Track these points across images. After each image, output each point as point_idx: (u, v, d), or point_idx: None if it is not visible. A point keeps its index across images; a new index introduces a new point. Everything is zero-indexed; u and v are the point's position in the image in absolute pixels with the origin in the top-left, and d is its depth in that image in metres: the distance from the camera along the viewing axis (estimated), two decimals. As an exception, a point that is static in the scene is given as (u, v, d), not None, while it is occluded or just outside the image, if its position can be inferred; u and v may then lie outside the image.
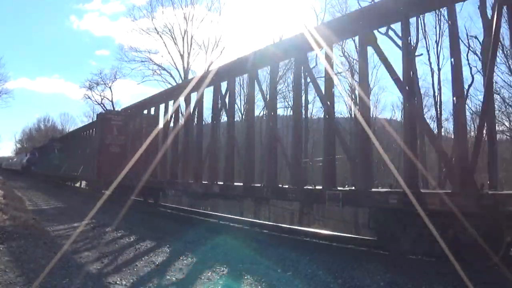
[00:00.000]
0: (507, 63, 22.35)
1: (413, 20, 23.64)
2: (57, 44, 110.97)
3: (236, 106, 26.44)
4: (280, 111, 33.30)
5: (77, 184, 26.66)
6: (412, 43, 22.72)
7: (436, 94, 25.91)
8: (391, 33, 23.77)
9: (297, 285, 5.04)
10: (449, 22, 5.74)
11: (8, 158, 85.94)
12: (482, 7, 18.30)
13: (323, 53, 7.79)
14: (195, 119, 11.31)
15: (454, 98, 5.49)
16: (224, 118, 10.66)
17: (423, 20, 24.01)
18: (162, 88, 35.98)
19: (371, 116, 8.12)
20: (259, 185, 8.71)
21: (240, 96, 35.36)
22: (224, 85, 10.20)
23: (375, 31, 6.80)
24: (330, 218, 17.44)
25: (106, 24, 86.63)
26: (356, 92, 6.55)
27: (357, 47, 7.77)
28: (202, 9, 43.13)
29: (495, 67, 5.79)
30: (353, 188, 6.59)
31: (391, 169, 5.82)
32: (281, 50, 8.41)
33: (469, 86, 22.78)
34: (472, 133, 24.18)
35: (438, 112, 25.23)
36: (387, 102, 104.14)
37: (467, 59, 23.00)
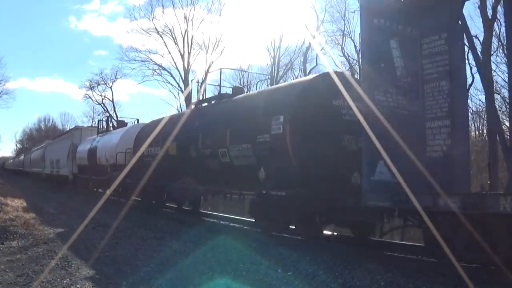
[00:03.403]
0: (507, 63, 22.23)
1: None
2: (56, 44, 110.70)
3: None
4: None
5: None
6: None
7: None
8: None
9: (298, 285, 5.04)
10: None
11: (20, 154, 67.34)
12: (482, 7, 18.30)
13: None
14: None
15: None
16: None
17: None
18: (162, 88, 35.84)
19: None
20: None
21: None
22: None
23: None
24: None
25: (105, 25, 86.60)
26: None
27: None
28: (202, 10, 43.16)
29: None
30: None
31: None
32: None
33: (470, 85, 22.70)
34: (472, 133, 24.15)
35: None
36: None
37: (467, 59, 22.83)
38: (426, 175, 5.60)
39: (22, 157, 55.47)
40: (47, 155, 30.42)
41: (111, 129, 21.00)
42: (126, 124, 20.23)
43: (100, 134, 20.02)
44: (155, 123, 14.30)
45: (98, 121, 21.81)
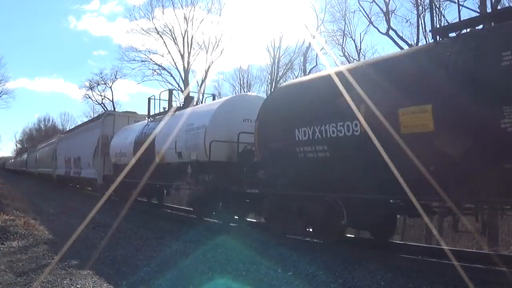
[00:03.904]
0: None
1: (413, 20, 23.58)
2: (56, 44, 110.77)
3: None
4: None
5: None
6: (413, 43, 22.71)
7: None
8: (391, 33, 23.74)
9: (298, 285, 5.04)
10: None
11: (22, 153, 60.38)
12: (482, 7, 18.32)
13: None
14: None
15: None
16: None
17: (424, 20, 23.93)
18: (162, 88, 35.84)
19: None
20: None
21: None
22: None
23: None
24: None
25: (104, 25, 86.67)
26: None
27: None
28: (202, 10, 43.24)
29: None
30: None
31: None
32: None
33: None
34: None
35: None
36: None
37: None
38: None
39: (25, 155, 49.50)
40: (60, 152, 24.68)
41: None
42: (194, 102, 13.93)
43: (153, 119, 13.95)
44: (320, 80, 7.51)
45: (149, 99, 14.36)
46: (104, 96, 45.10)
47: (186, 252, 6.83)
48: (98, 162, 16.80)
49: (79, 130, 23.17)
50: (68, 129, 35.35)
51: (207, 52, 35.47)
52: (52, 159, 26.77)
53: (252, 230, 9.70)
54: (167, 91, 14.17)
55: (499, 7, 17.82)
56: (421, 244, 8.11)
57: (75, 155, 20.82)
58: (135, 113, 18.37)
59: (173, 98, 14.64)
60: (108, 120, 17.73)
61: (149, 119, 14.35)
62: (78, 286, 4.96)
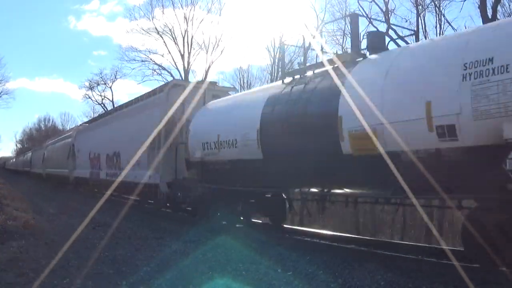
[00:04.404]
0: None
1: (413, 20, 23.61)
2: (55, 44, 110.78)
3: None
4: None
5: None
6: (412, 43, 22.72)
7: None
8: (391, 32, 23.72)
9: (297, 285, 5.04)
10: None
11: (25, 151, 55.88)
12: (482, 7, 18.33)
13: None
14: None
15: None
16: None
17: (424, 19, 23.97)
18: (163, 88, 35.92)
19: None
20: None
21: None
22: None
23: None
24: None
25: (104, 25, 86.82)
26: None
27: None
28: (202, 10, 43.34)
29: None
30: None
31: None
32: None
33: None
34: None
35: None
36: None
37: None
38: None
39: (29, 154, 44.00)
40: (80, 148, 19.85)
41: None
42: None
43: (303, 76, 8.24)
44: None
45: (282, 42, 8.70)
46: (104, 96, 45.27)
47: (186, 252, 6.84)
48: (161, 159, 10.95)
49: (115, 115, 16.93)
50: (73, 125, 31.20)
51: (207, 52, 35.51)
52: (67, 157, 21.62)
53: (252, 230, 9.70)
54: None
55: (498, 7, 17.84)
56: (421, 244, 8.10)
57: (109, 151, 15.27)
58: (215, 83, 12.76)
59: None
60: (174, 93, 11.26)
61: (283, 80, 8.32)
62: (78, 286, 4.96)
